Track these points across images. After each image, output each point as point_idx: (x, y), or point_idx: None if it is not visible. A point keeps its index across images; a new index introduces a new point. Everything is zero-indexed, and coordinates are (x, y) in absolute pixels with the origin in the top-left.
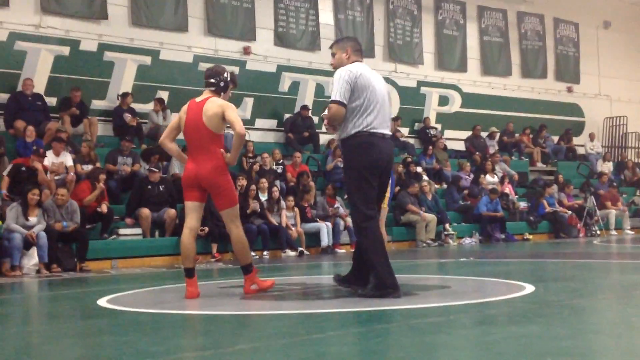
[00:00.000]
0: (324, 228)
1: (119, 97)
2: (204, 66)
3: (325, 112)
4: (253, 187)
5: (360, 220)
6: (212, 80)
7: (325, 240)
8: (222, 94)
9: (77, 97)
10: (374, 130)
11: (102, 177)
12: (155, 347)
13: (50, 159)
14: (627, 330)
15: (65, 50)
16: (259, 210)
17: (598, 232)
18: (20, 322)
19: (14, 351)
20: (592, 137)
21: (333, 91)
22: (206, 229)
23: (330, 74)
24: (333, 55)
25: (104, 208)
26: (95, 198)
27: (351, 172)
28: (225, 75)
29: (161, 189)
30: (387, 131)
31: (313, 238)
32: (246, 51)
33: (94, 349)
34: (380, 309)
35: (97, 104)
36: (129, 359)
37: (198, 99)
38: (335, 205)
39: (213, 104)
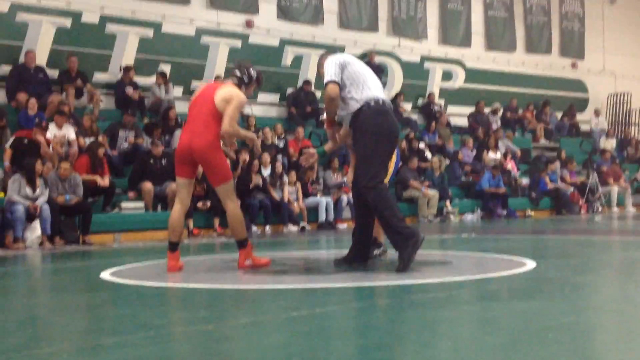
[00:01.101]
0: (323, 203)
1: (122, 70)
2: (206, 39)
3: (324, 116)
4: (255, 161)
5: (369, 180)
6: (237, 73)
7: (324, 215)
8: (243, 88)
9: (75, 63)
10: (378, 99)
11: (101, 150)
12: (157, 320)
13: (52, 131)
14: (628, 307)
15: (67, 22)
16: (261, 184)
17: (600, 208)
18: (24, 295)
19: (17, 323)
20: (597, 113)
21: (325, 74)
22: (208, 203)
23: (332, 48)
24: (319, 65)
25: (105, 181)
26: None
27: (362, 141)
28: (252, 71)
29: (163, 162)
30: (390, 106)
31: (315, 213)
32: (249, 24)
33: (96, 322)
34: (382, 284)
35: (99, 76)
36: (131, 331)
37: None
38: (341, 179)
39: (229, 90)
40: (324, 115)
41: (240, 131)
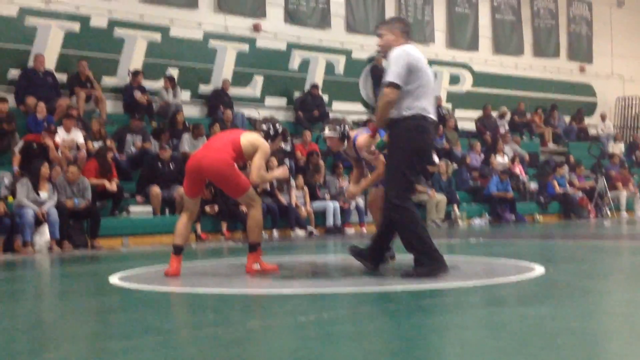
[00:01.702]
0: (331, 207)
1: (130, 74)
2: (214, 43)
3: (326, 132)
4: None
5: (395, 197)
6: (264, 127)
7: (331, 219)
8: (269, 141)
9: (85, 68)
10: (427, 115)
11: (110, 155)
12: (166, 324)
13: (61, 135)
14: (637, 311)
15: (76, 27)
16: (269, 189)
17: (609, 213)
18: (32, 299)
19: (26, 327)
20: (603, 117)
21: (389, 72)
22: (216, 207)
23: (340, 52)
24: (380, 36)
25: (113, 186)
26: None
27: (398, 153)
28: (278, 126)
29: (171, 166)
30: (436, 118)
31: (322, 217)
32: (256, 28)
33: (105, 326)
34: (390, 289)
35: (107, 80)
36: (140, 335)
37: None
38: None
39: (257, 137)
40: (326, 133)
41: (268, 176)
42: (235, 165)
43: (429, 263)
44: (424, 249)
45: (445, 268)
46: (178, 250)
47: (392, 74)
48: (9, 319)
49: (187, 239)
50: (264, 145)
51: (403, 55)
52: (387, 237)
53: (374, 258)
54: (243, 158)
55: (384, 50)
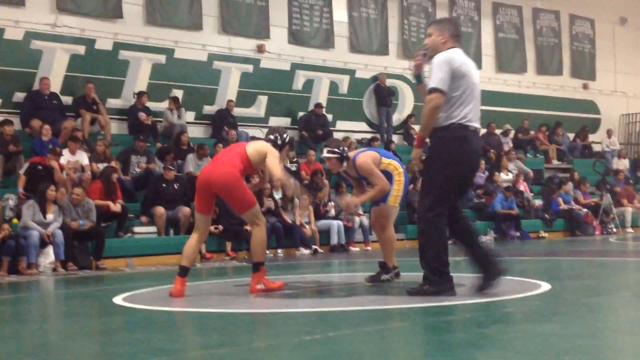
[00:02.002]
0: (335, 226)
1: (135, 96)
2: (218, 64)
3: (324, 153)
4: (267, 185)
5: (427, 209)
6: (271, 136)
7: (336, 238)
8: (277, 150)
9: (92, 90)
10: (469, 123)
11: (114, 176)
12: (170, 345)
13: (66, 157)
14: None
15: (81, 49)
16: (274, 208)
17: (614, 230)
18: (38, 320)
19: (31, 349)
20: (609, 133)
21: (432, 78)
22: (220, 227)
23: (343, 71)
24: (429, 35)
25: (117, 207)
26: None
27: (436, 164)
28: (285, 135)
29: (176, 187)
30: (479, 125)
31: (327, 236)
32: (260, 49)
33: (110, 347)
34: (396, 307)
35: (112, 102)
36: (145, 356)
37: None
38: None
39: (263, 144)
40: (325, 154)
41: (287, 178)
42: (243, 179)
43: (438, 282)
44: (437, 267)
45: (453, 291)
46: (183, 271)
47: (435, 80)
48: (15, 341)
49: (194, 260)
50: (272, 149)
51: (447, 61)
52: (476, 248)
53: (490, 270)
54: (252, 168)
55: (430, 51)
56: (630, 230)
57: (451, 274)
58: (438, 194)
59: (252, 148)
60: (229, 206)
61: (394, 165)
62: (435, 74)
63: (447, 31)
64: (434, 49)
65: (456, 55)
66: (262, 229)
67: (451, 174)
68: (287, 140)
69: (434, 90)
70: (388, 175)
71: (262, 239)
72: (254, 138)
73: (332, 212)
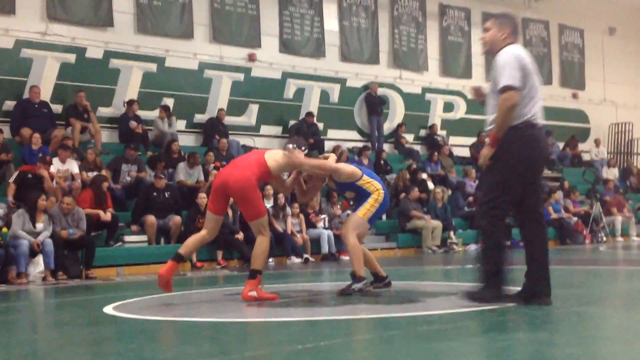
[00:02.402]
0: (325, 235)
1: (125, 105)
2: (209, 73)
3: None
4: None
5: (491, 207)
6: (290, 146)
7: (326, 247)
8: None
9: (82, 99)
10: (538, 121)
11: (105, 184)
12: (161, 354)
13: (56, 166)
14: (635, 337)
15: (71, 58)
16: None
17: (604, 238)
18: (27, 330)
19: (22, 358)
20: (597, 143)
21: (503, 76)
22: None
23: (334, 80)
24: (486, 30)
25: (107, 216)
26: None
27: (501, 166)
28: (303, 148)
29: (167, 195)
30: (544, 121)
31: (318, 245)
32: (251, 58)
33: (100, 356)
34: (388, 315)
35: (102, 111)
36: None
37: None
38: (347, 213)
39: (283, 154)
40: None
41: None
42: (258, 187)
43: (494, 286)
44: (496, 270)
45: (501, 298)
46: (177, 257)
47: (507, 76)
48: (4, 350)
49: (190, 253)
50: (294, 156)
51: (516, 57)
52: (543, 260)
53: (542, 289)
54: (269, 175)
55: (487, 46)
56: (619, 239)
57: (505, 280)
58: (499, 197)
59: (271, 157)
60: (241, 211)
61: (374, 186)
62: (507, 72)
63: (507, 27)
64: (492, 44)
65: (521, 52)
66: (266, 239)
67: (520, 173)
68: (305, 150)
69: (508, 88)
70: (365, 194)
71: (265, 249)
72: (245, 147)
73: (322, 224)
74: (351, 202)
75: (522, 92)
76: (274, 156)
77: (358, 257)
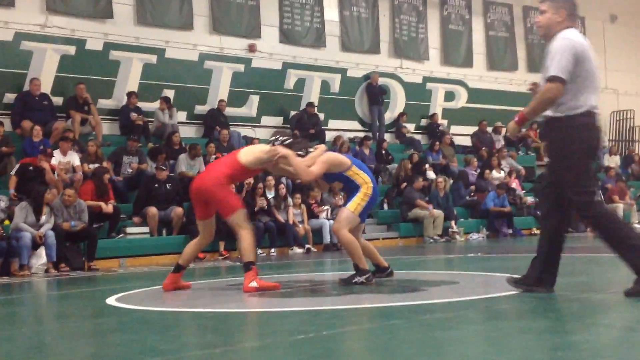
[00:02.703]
0: (327, 225)
1: (126, 96)
2: (209, 64)
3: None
4: (260, 184)
5: (586, 210)
6: (272, 138)
7: (328, 237)
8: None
9: (83, 91)
10: (595, 110)
11: (107, 176)
12: (164, 345)
13: (57, 158)
14: (637, 324)
15: (71, 50)
16: (266, 207)
17: None
18: (30, 322)
19: (24, 351)
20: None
21: (552, 64)
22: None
23: (335, 70)
24: (542, 12)
25: (109, 207)
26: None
27: (571, 158)
28: (283, 137)
29: (168, 187)
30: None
31: (319, 235)
32: (251, 49)
33: (103, 348)
34: (389, 305)
35: (103, 102)
36: (138, 357)
37: None
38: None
39: (256, 146)
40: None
41: (315, 168)
42: (228, 185)
43: None
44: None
45: None
46: (176, 268)
47: (557, 67)
48: (7, 343)
49: (189, 261)
50: (275, 152)
51: (569, 44)
52: (554, 255)
53: (547, 280)
54: (246, 172)
55: (542, 31)
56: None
57: None
58: (586, 187)
59: (248, 154)
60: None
61: (363, 178)
62: (557, 61)
63: (564, 9)
64: (547, 28)
65: (577, 37)
66: (248, 232)
67: (585, 163)
68: (285, 142)
69: (555, 79)
70: (354, 186)
71: (250, 241)
72: (245, 137)
73: (325, 215)
74: (341, 194)
75: (576, 80)
76: (252, 151)
77: (355, 250)
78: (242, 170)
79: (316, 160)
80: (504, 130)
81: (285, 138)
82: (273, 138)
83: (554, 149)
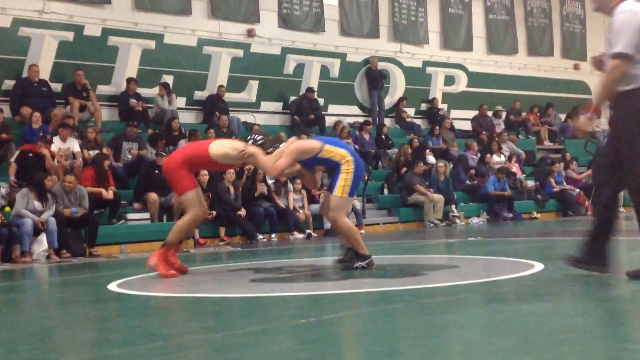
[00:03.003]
0: None
1: (127, 83)
2: (208, 49)
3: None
4: (260, 170)
5: (637, 194)
6: (248, 138)
7: (329, 223)
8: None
9: (81, 77)
10: None
11: (106, 162)
12: (166, 330)
13: (57, 144)
14: (637, 307)
15: (69, 36)
16: (267, 193)
17: None
18: (32, 308)
19: (26, 337)
20: (598, 114)
21: (618, 41)
22: (214, 212)
23: (334, 55)
24: None
25: (110, 194)
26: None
27: (636, 133)
28: (258, 137)
29: None
30: None
31: (320, 220)
32: (250, 34)
33: (105, 333)
34: (390, 289)
35: (102, 89)
36: (140, 342)
37: None
38: None
39: (231, 143)
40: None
41: (280, 162)
42: (182, 167)
43: None
44: None
45: None
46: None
47: (621, 42)
48: (9, 329)
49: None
50: (241, 145)
51: (632, 17)
52: (605, 235)
53: (596, 257)
54: (211, 162)
55: (597, 4)
56: (622, 209)
57: None
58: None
59: (215, 147)
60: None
61: (339, 154)
62: (622, 36)
63: None
64: (602, 2)
65: (635, 5)
66: (192, 216)
67: None
68: (259, 142)
69: (620, 55)
70: (334, 164)
71: (184, 225)
72: (245, 123)
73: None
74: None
75: (637, 54)
76: (223, 145)
77: (355, 236)
78: (207, 160)
79: (283, 153)
80: (504, 114)
81: (260, 138)
82: (250, 137)
83: (621, 123)
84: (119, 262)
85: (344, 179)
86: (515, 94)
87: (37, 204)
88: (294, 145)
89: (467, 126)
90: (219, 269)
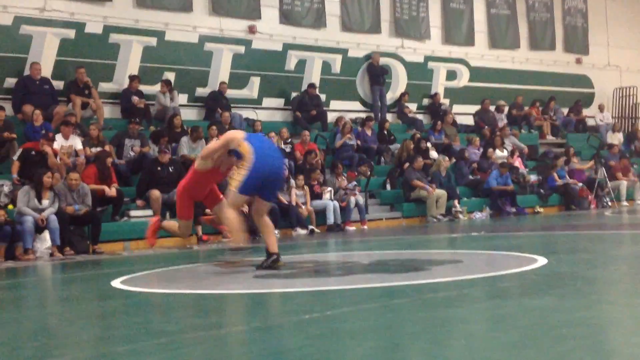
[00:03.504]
0: (331, 206)
1: (130, 80)
2: (209, 46)
3: None
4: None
5: None
6: None
7: (332, 218)
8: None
9: (83, 75)
10: None
11: (109, 160)
12: (169, 327)
13: (59, 142)
14: None
15: (71, 33)
16: None
17: (609, 203)
18: (36, 305)
19: (30, 333)
20: (601, 108)
21: None
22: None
23: (335, 51)
24: None
25: (112, 191)
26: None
27: None
28: None
29: (171, 170)
30: None
31: (323, 216)
32: (251, 30)
33: (109, 330)
34: (393, 284)
35: (104, 86)
36: (144, 338)
37: None
38: (353, 183)
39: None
40: None
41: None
42: (186, 193)
43: None
44: None
45: None
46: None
47: None
48: (14, 326)
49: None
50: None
51: None
52: None
53: None
54: (203, 177)
55: None
56: (625, 203)
57: None
58: None
59: (197, 161)
60: None
61: (245, 149)
62: None
63: None
64: None
65: None
66: (180, 233)
67: None
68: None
69: None
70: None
71: (175, 229)
72: (247, 120)
73: (328, 196)
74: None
75: None
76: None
77: (235, 228)
78: (200, 176)
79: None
80: (506, 109)
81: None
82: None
83: None
84: (122, 259)
85: (237, 174)
86: (517, 88)
87: (38, 202)
88: (224, 135)
89: (469, 121)
90: (223, 266)
